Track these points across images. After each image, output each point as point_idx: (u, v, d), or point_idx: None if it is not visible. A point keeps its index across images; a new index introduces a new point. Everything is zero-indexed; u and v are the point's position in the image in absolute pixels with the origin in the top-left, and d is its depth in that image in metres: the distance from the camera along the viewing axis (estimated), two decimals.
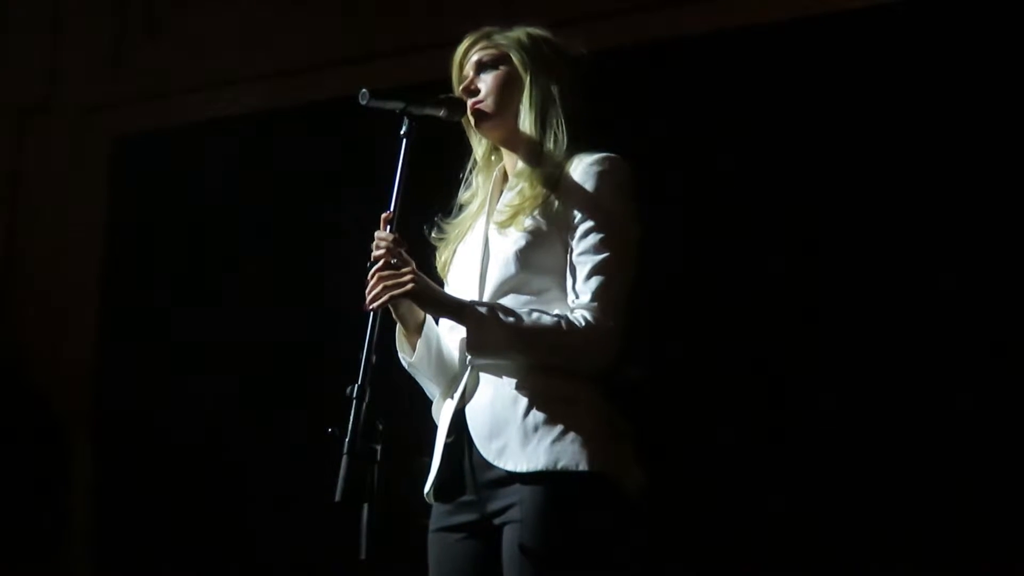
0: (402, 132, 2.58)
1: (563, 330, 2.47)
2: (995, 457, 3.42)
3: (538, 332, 2.47)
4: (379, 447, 2.40)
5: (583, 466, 2.45)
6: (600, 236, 2.53)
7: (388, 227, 2.54)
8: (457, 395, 2.57)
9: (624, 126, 3.85)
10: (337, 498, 2.34)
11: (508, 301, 2.55)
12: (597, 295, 2.50)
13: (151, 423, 4.55)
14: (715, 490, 3.69)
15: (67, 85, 5.04)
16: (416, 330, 2.63)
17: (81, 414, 4.47)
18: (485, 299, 2.57)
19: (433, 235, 2.71)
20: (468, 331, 2.50)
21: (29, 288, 4.92)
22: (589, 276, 2.51)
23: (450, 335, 2.64)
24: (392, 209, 2.56)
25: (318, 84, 4.56)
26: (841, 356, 3.63)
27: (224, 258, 4.58)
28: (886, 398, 3.56)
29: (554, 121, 2.64)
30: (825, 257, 3.71)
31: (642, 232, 2.58)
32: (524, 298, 2.55)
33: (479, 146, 2.74)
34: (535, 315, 2.49)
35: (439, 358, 2.64)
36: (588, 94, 2.68)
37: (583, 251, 2.53)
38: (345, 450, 2.36)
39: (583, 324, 2.48)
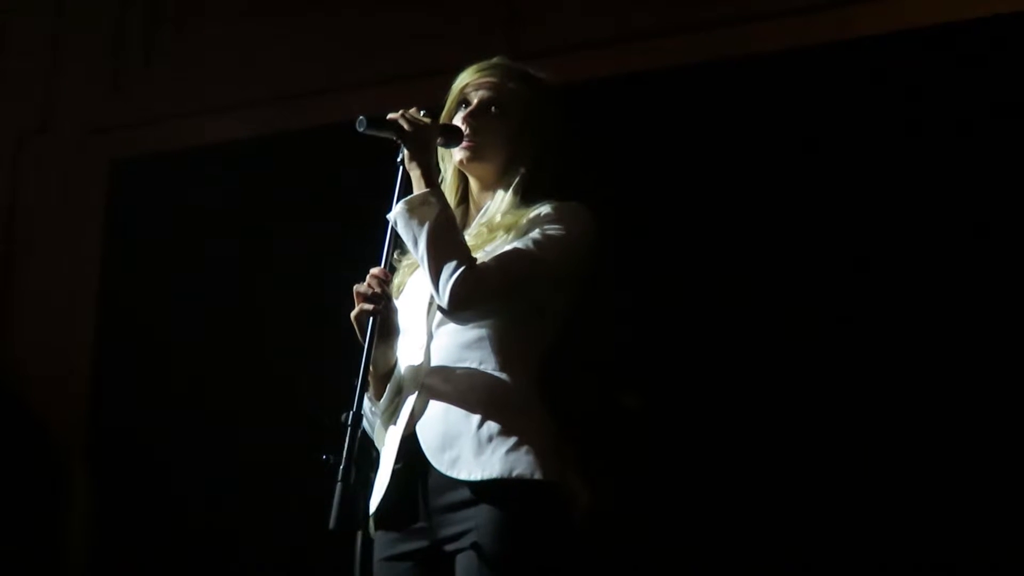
0: (398, 160, 2.60)
1: (459, 259, 2.48)
2: (994, 464, 3.43)
3: (443, 245, 2.49)
4: (373, 475, 2.41)
5: (538, 475, 2.46)
6: (531, 239, 2.56)
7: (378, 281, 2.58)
8: (404, 419, 2.56)
9: (616, 155, 3.92)
10: (331, 525, 2.34)
11: (451, 330, 2.57)
12: (497, 259, 2.54)
13: (150, 449, 4.54)
14: (707, 511, 3.69)
15: (65, 109, 5.05)
16: (384, 376, 2.64)
17: (78, 440, 4.46)
18: (433, 327, 2.59)
19: (395, 256, 2.72)
20: (414, 198, 2.53)
21: (26, 311, 4.91)
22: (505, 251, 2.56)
23: (401, 369, 2.65)
24: (386, 246, 2.58)
25: (315, 110, 4.57)
26: (833, 376, 3.64)
27: (222, 283, 4.58)
28: (878, 426, 3.56)
29: (542, 181, 2.66)
30: (818, 278, 3.71)
31: (581, 277, 2.62)
32: (472, 332, 2.56)
33: (447, 164, 2.74)
34: (458, 243, 2.52)
35: (393, 392, 2.64)
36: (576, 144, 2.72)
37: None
38: (339, 477, 2.36)
39: (471, 264, 2.50)
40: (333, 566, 2.57)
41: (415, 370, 2.59)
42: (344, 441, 2.40)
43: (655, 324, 3.84)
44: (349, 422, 2.41)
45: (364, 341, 2.53)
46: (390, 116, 2.59)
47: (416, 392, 2.56)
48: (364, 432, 2.42)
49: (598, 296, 2.71)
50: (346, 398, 2.44)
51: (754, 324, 3.74)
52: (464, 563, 2.45)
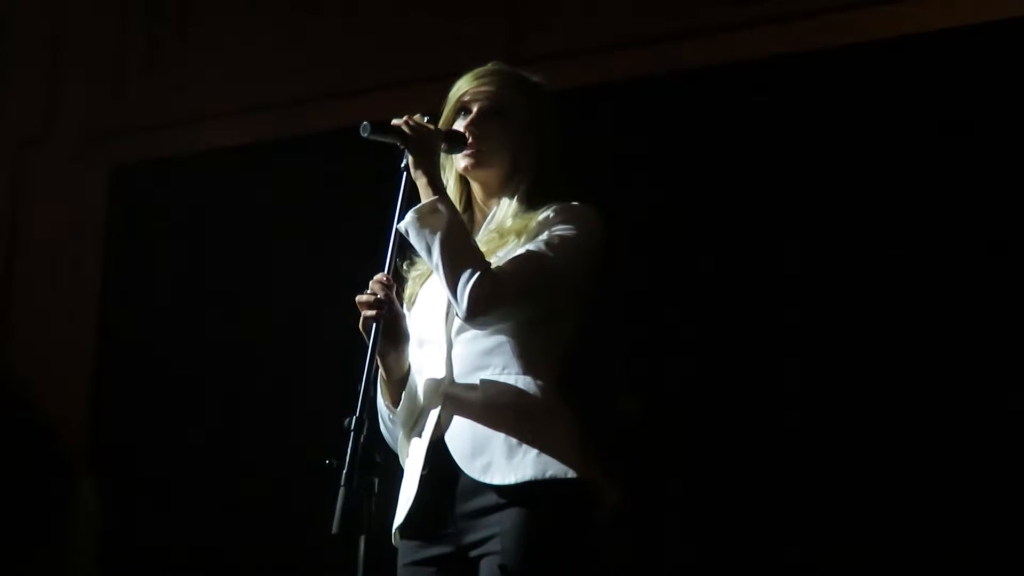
0: (402, 165, 2.60)
1: (474, 265, 2.48)
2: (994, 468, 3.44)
3: (458, 253, 2.49)
4: (376, 479, 2.41)
5: (572, 474, 2.47)
6: (543, 241, 2.57)
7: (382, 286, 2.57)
8: (430, 428, 2.56)
9: (618, 160, 3.93)
10: (334, 530, 2.34)
11: (470, 338, 2.57)
12: (512, 263, 2.54)
13: (153, 454, 4.54)
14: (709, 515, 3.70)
15: (66, 116, 5.05)
16: (399, 382, 2.63)
17: (81, 446, 4.47)
18: (453, 336, 2.59)
19: (404, 267, 2.72)
20: (424, 206, 2.53)
21: (28, 316, 4.92)
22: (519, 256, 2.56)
23: (417, 377, 2.64)
24: (389, 252, 2.58)
25: (317, 116, 4.57)
26: (834, 386, 3.65)
27: (223, 290, 4.58)
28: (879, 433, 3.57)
29: (547, 184, 2.67)
30: (832, 282, 3.72)
31: (593, 276, 2.63)
32: (492, 338, 2.57)
33: (449, 171, 2.74)
34: (472, 250, 2.52)
35: (412, 403, 2.64)
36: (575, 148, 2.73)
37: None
38: (342, 482, 2.36)
39: (487, 271, 2.50)
40: (336, 571, 2.57)
41: (438, 380, 2.58)
42: (347, 445, 2.40)
43: (662, 326, 3.85)
44: (352, 427, 2.41)
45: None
46: (394, 122, 2.59)
47: (441, 402, 2.56)
48: (367, 437, 2.42)
49: (606, 298, 2.73)
50: (350, 404, 2.44)
51: (763, 326, 3.75)
52: (489, 568, 2.45)
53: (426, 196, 2.56)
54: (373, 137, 2.58)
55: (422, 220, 2.52)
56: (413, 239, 2.54)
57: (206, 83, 4.81)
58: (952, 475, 3.46)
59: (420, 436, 2.58)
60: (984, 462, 3.45)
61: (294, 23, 4.71)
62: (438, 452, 2.54)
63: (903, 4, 3.77)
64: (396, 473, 2.61)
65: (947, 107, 3.64)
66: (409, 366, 2.65)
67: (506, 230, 2.62)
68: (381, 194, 2.66)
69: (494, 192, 2.70)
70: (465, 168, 2.68)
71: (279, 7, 4.75)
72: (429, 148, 2.59)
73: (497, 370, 2.55)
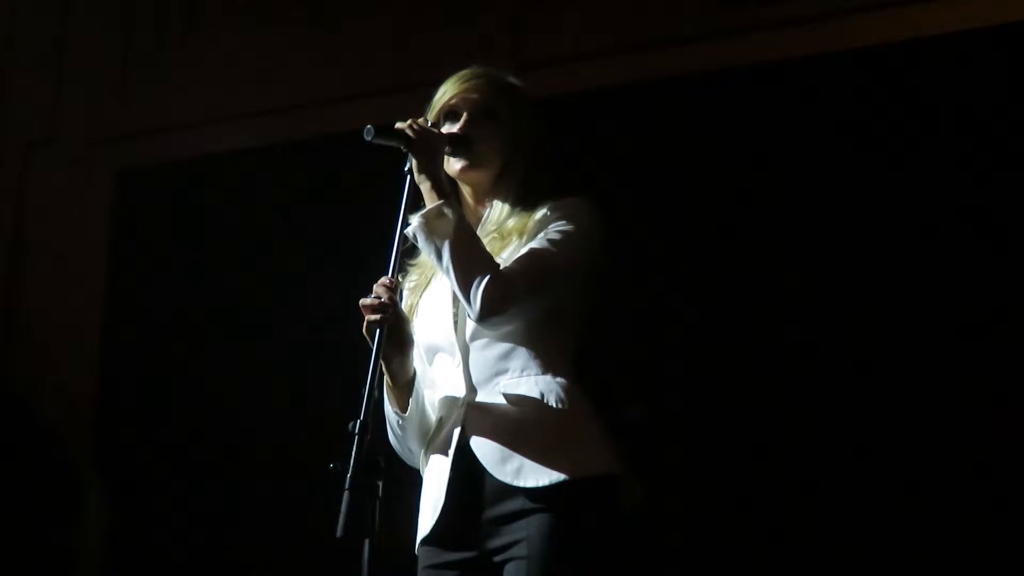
0: (406, 169, 2.61)
1: (485, 268, 2.49)
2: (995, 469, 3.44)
3: (468, 256, 2.50)
4: (381, 482, 2.41)
5: (603, 470, 2.50)
6: (546, 238, 2.58)
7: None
8: (454, 441, 2.55)
9: (619, 163, 3.93)
10: (339, 533, 2.34)
11: (484, 344, 2.57)
12: (519, 262, 2.55)
13: (158, 457, 4.54)
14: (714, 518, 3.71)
15: (71, 119, 5.06)
16: (405, 387, 2.61)
17: (87, 449, 4.48)
18: (468, 342, 2.59)
19: (399, 279, 2.70)
20: (431, 211, 2.53)
21: (32, 321, 4.92)
22: (524, 254, 2.57)
23: (430, 392, 2.65)
24: (394, 253, 2.58)
25: (320, 120, 4.58)
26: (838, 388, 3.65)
27: (226, 291, 4.58)
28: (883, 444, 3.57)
29: (540, 182, 2.68)
30: (829, 281, 3.73)
31: (597, 268, 2.65)
32: (507, 341, 2.57)
33: None
34: (481, 253, 2.53)
35: (423, 413, 2.64)
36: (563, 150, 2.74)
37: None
38: (347, 485, 2.36)
39: (497, 272, 2.51)
40: (341, 574, 2.58)
41: (457, 389, 2.58)
42: (351, 449, 2.40)
43: (662, 326, 3.86)
44: (356, 431, 2.41)
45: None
46: (398, 125, 2.60)
47: (464, 411, 2.56)
48: (371, 441, 2.42)
49: (607, 299, 2.74)
50: (354, 406, 2.44)
51: (763, 327, 3.75)
52: (513, 573, 2.45)
53: (430, 200, 2.56)
54: (377, 141, 2.59)
55: (430, 225, 2.52)
56: (421, 244, 2.54)
57: (210, 87, 4.81)
58: (954, 476, 3.46)
59: (441, 450, 2.58)
60: (984, 463, 3.46)
61: (297, 27, 4.71)
62: (463, 460, 2.53)
63: (902, 7, 3.78)
64: (400, 477, 2.61)
65: (945, 109, 3.65)
66: (415, 372, 2.64)
67: (507, 231, 2.63)
68: (384, 198, 2.66)
69: (485, 194, 2.71)
70: (461, 169, 2.68)
71: (282, 11, 4.76)
72: (433, 152, 2.60)
73: (516, 373, 2.55)
